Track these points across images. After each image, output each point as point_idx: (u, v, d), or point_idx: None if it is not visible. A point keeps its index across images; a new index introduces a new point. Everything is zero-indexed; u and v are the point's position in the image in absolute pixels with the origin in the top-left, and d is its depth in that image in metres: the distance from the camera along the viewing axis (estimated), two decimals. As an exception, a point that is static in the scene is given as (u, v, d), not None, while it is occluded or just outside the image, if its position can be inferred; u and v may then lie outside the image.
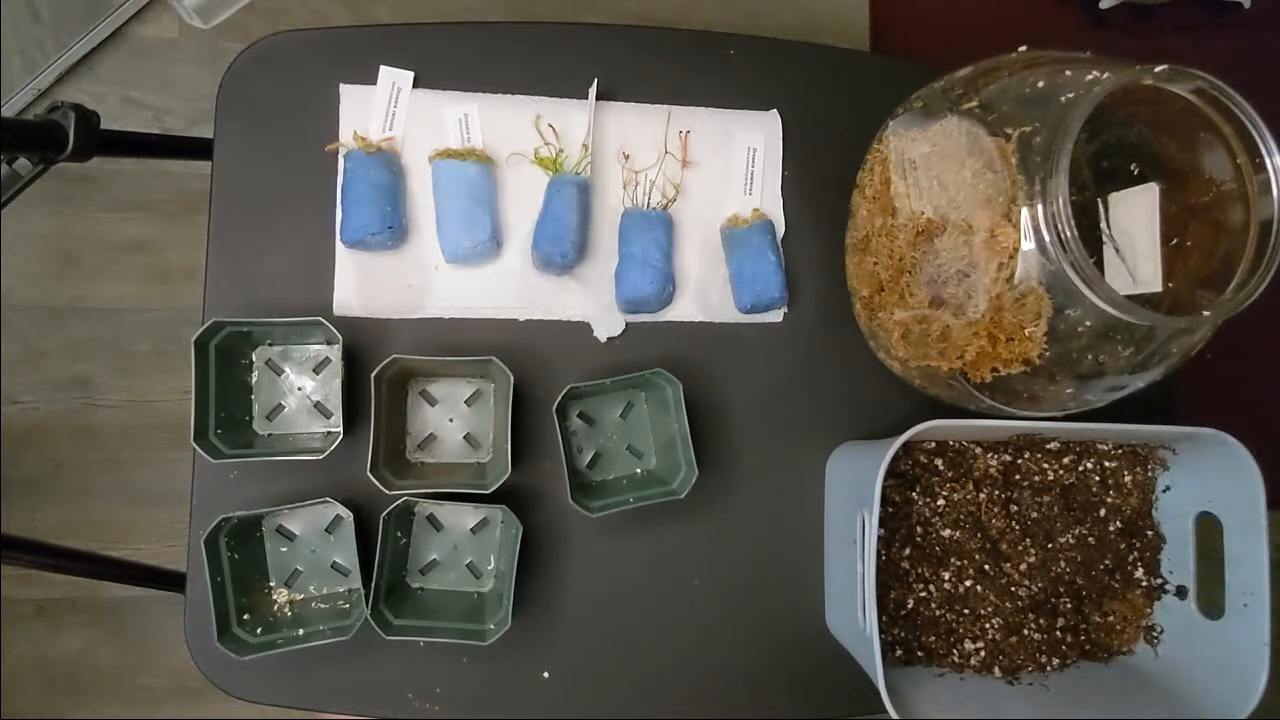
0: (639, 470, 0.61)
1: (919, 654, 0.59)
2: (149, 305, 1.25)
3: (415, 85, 0.59)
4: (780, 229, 0.63)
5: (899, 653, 0.59)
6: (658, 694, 0.60)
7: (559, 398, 0.55)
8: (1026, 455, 0.61)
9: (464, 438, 0.59)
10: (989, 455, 0.61)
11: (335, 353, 0.56)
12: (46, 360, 1.22)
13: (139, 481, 1.23)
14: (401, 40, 0.60)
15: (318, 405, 0.57)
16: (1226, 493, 0.57)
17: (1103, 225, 0.52)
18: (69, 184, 1.22)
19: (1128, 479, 0.62)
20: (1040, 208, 0.44)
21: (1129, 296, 0.43)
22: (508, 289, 0.60)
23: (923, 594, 0.59)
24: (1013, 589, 0.60)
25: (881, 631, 0.53)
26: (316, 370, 0.58)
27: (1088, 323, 0.46)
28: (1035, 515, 0.60)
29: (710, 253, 0.63)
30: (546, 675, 0.59)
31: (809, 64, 0.66)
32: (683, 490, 0.55)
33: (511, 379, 0.53)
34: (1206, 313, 0.44)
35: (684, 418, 0.56)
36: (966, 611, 0.59)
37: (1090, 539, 0.61)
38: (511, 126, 0.60)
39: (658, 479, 0.59)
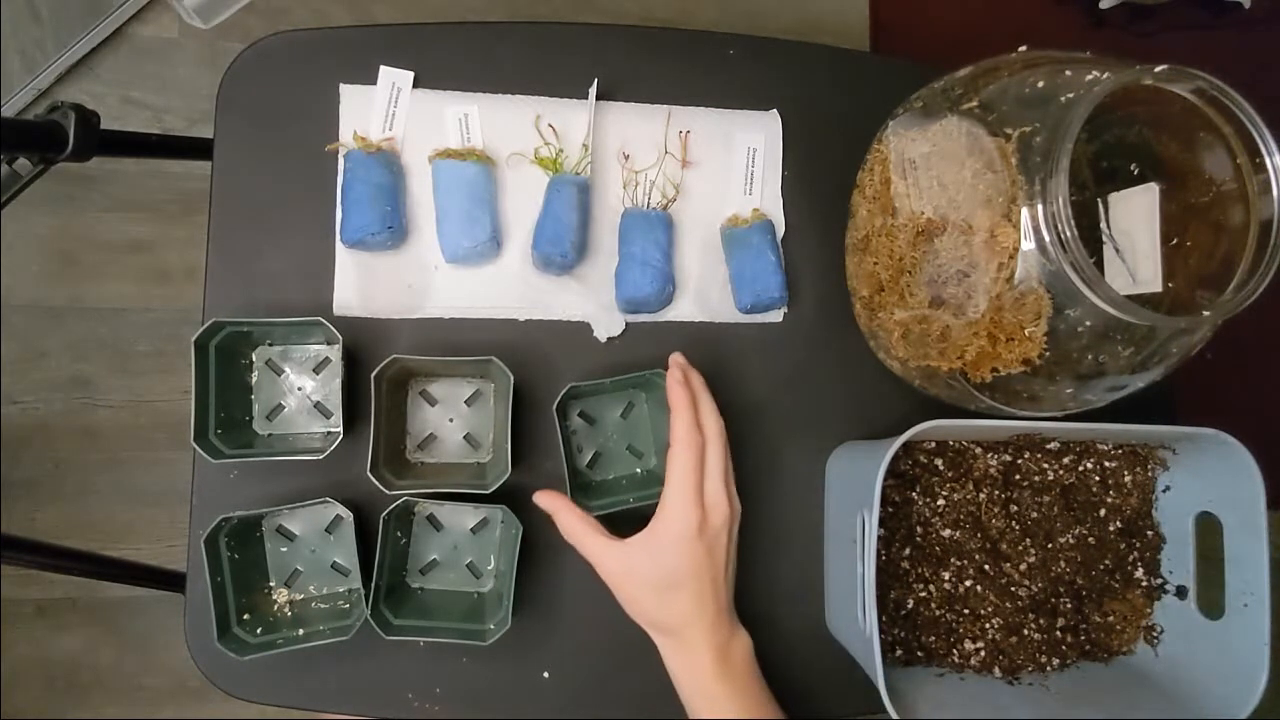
0: (639, 470, 0.61)
1: (919, 654, 0.59)
2: (149, 305, 1.25)
3: (415, 85, 0.59)
4: (780, 229, 0.63)
5: (899, 653, 0.59)
6: (658, 694, 0.60)
7: (559, 396, 0.55)
8: (1026, 455, 0.61)
9: (464, 438, 0.59)
10: (989, 455, 0.61)
11: (335, 353, 0.56)
12: (46, 360, 1.22)
13: (139, 481, 1.23)
14: (401, 40, 0.60)
15: (318, 405, 0.57)
16: (1226, 493, 0.57)
17: (1103, 225, 0.52)
18: (69, 184, 1.23)
19: (1128, 479, 0.62)
20: (1040, 208, 0.44)
21: (1129, 296, 0.43)
22: (508, 289, 0.60)
23: (923, 594, 0.59)
24: (1013, 589, 0.60)
25: (881, 631, 0.53)
26: (316, 370, 0.58)
27: (1088, 323, 0.46)
28: (1035, 515, 0.60)
29: (710, 253, 0.63)
30: (546, 675, 0.59)
31: (809, 64, 0.66)
32: None
33: (511, 379, 0.53)
34: (1206, 313, 0.44)
35: None
36: (966, 611, 0.59)
37: (1090, 539, 0.61)
38: (511, 126, 0.60)
39: (657, 479, 0.59)
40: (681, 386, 0.52)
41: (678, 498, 0.51)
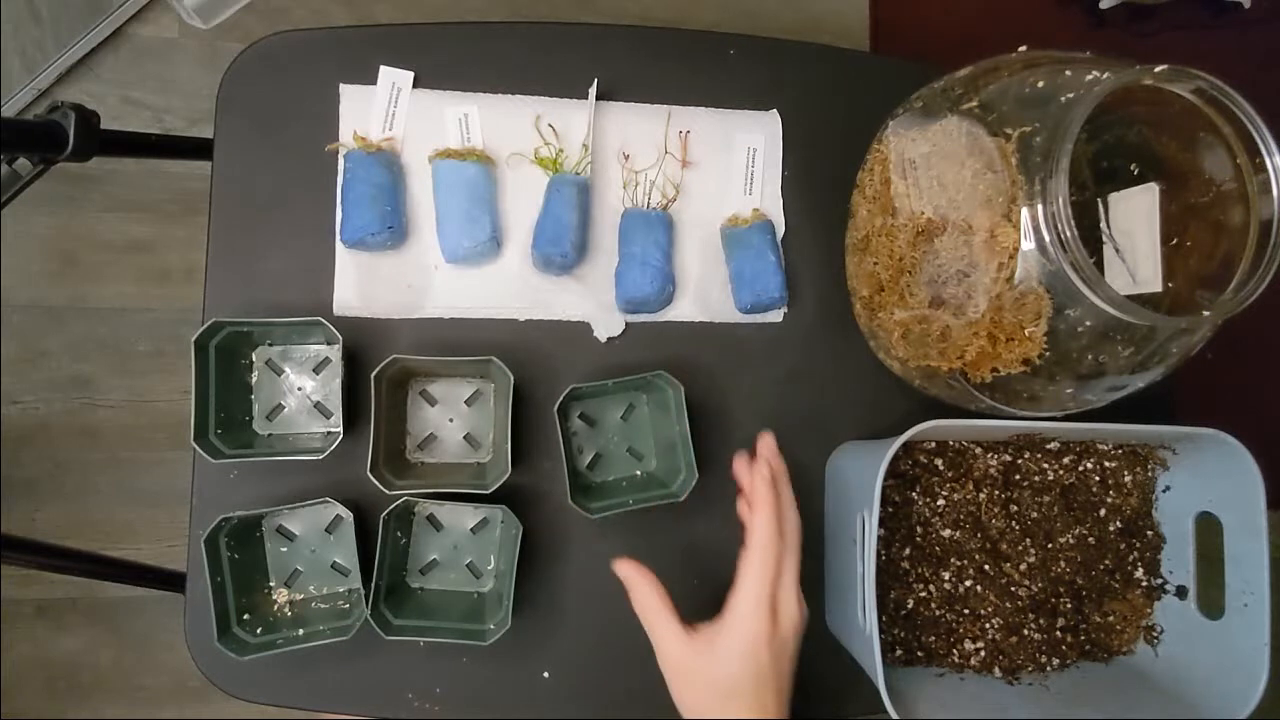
0: (639, 472, 0.60)
1: (919, 654, 0.59)
2: (149, 305, 1.25)
3: (415, 85, 0.59)
4: (780, 229, 0.63)
5: (899, 653, 0.59)
6: (658, 694, 0.60)
7: (560, 398, 0.55)
8: (1026, 455, 0.61)
9: (464, 438, 0.59)
10: (989, 455, 0.61)
11: (335, 353, 0.56)
12: (46, 360, 1.22)
13: (139, 481, 1.23)
14: (401, 40, 0.60)
15: (318, 405, 0.57)
16: (1226, 493, 0.57)
17: (1103, 225, 0.52)
18: (69, 184, 1.22)
19: (1128, 479, 0.62)
20: (1040, 208, 0.44)
21: (1129, 296, 0.43)
22: (508, 289, 0.60)
23: (923, 594, 0.59)
24: (1013, 589, 0.60)
25: (881, 631, 0.53)
26: (316, 370, 0.58)
27: (1088, 323, 0.46)
28: (1035, 515, 0.60)
29: (710, 253, 0.63)
30: (546, 675, 0.59)
31: (809, 64, 0.66)
32: (682, 493, 0.55)
33: (511, 379, 0.53)
34: (1206, 313, 0.44)
35: (685, 420, 0.56)
36: (966, 611, 0.59)
37: (1090, 539, 0.61)
38: (511, 126, 0.60)
39: (657, 481, 0.59)
40: (768, 485, 0.49)
41: (749, 604, 0.47)
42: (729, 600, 0.48)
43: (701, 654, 0.48)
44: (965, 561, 0.59)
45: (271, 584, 0.56)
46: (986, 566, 0.59)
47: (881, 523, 0.58)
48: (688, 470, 0.56)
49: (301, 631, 0.54)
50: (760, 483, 0.50)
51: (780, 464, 0.52)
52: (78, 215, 1.24)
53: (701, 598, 0.61)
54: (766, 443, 0.53)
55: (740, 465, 0.52)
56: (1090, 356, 0.48)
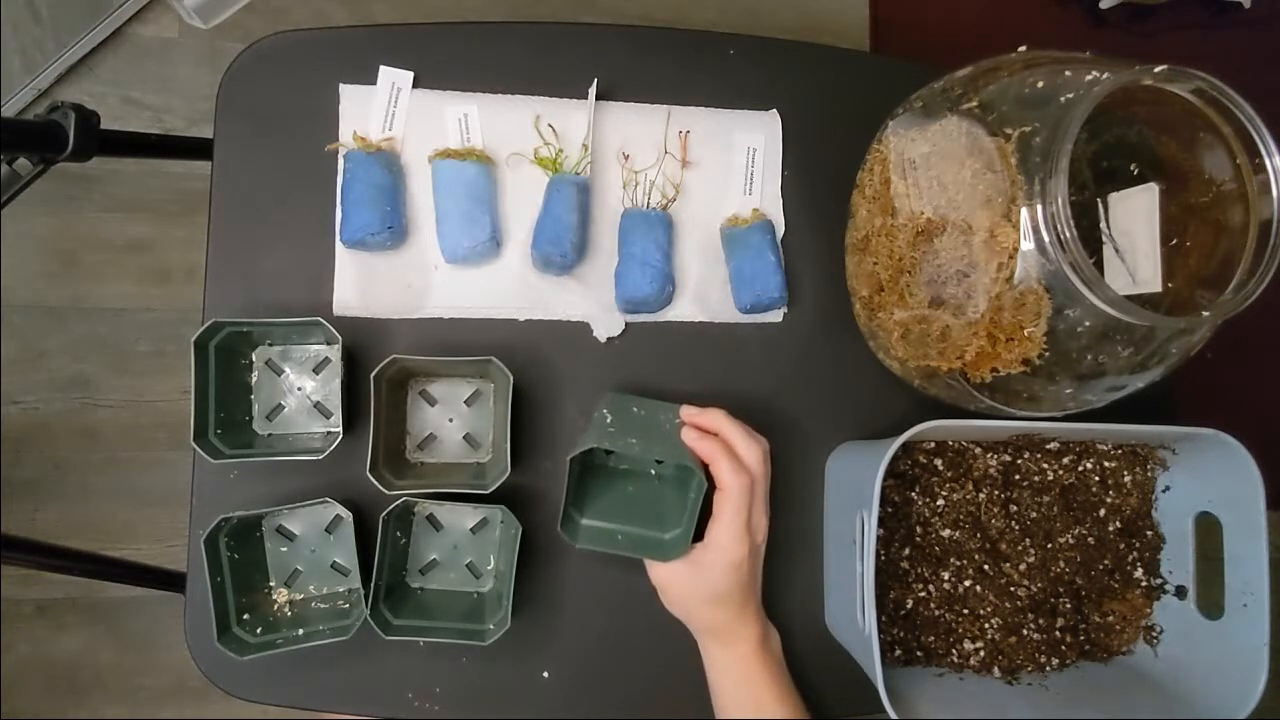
0: (649, 534, 0.58)
1: (918, 654, 0.59)
2: (149, 305, 1.25)
3: (415, 85, 0.59)
4: (780, 229, 0.63)
5: (898, 653, 0.59)
6: (657, 694, 0.60)
7: (576, 451, 0.50)
8: (1026, 455, 0.61)
9: (464, 438, 0.59)
10: (989, 455, 0.61)
11: (335, 353, 0.56)
12: (46, 360, 1.22)
13: (139, 481, 1.23)
14: (401, 40, 0.60)
15: (318, 405, 0.57)
16: (1226, 493, 0.57)
17: (1103, 225, 0.52)
18: (69, 184, 1.23)
19: (1128, 479, 0.62)
20: (1040, 208, 0.44)
21: (1129, 296, 0.43)
22: (507, 289, 0.60)
23: (922, 594, 0.59)
24: (1012, 589, 0.60)
25: (881, 631, 0.53)
26: (316, 370, 0.58)
27: (1087, 323, 0.46)
28: (1035, 515, 0.60)
29: (710, 253, 0.63)
30: (546, 675, 0.59)
31: (809, 64, 0.66)
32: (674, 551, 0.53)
33: (511, 379, 0.53)
34: (1206, 313, 0.44)
35: (699, 506, 0.52)
36: (966, 611, 0.59)
37: (1090, 539, 0.61)
38: (511, 126, 0.60)
39: (676, 550, 0.57)
40: (704, 440, 0.52)
41: (730, 535, 0.52)
42: (710, 532, 0.53)
43: (683, 572, 0.54)
44: (965, 561, 0.59)
45: (271, 584, 0.56)
46: (986, 566, 0.59)
47: (881, 523, 0.58)
48: (685, 529, 0.53)
49: (301, 631, 0.54)
50: (695, 441, 0.53)
51: (714, 413, 0.55)
52: (78, 215, 1.24)
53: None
54: (685, 414, 0.56)
55: (689, 412, 0.56)
56: (1090, 356, 0.48)
